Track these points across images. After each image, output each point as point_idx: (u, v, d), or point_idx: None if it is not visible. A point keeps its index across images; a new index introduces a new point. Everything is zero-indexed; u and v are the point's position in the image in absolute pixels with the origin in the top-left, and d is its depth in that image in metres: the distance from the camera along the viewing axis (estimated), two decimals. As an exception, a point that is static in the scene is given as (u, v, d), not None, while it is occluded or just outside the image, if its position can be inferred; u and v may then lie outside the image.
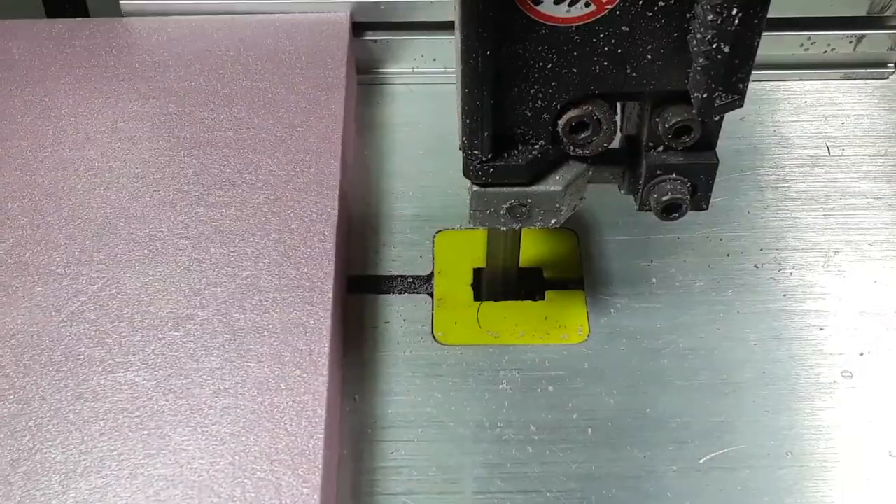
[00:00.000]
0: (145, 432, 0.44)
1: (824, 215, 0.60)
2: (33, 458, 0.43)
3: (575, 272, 0.57)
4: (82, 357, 0.46)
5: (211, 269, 0.50)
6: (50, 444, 0.43)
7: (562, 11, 0.40)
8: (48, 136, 0.57)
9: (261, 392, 0.45)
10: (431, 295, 0.56)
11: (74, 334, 0.47)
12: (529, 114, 0.43)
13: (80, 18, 0.67)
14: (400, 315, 0.55)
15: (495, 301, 0.56)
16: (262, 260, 0.50)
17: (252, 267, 0.50)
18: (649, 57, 0.41)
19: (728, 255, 0.58)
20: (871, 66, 0.68)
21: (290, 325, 0.47)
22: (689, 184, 0.46)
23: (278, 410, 0.44)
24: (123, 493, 0.42)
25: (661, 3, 0.39)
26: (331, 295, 0.49)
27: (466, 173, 0.45)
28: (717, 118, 0.44)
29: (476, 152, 0.43)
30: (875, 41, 0.66)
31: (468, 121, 0.42)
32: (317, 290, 0.49)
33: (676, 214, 0.46)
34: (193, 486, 0.42)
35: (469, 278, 0.57)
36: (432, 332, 0.54)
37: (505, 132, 0.44)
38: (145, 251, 0.51)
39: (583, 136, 0.44)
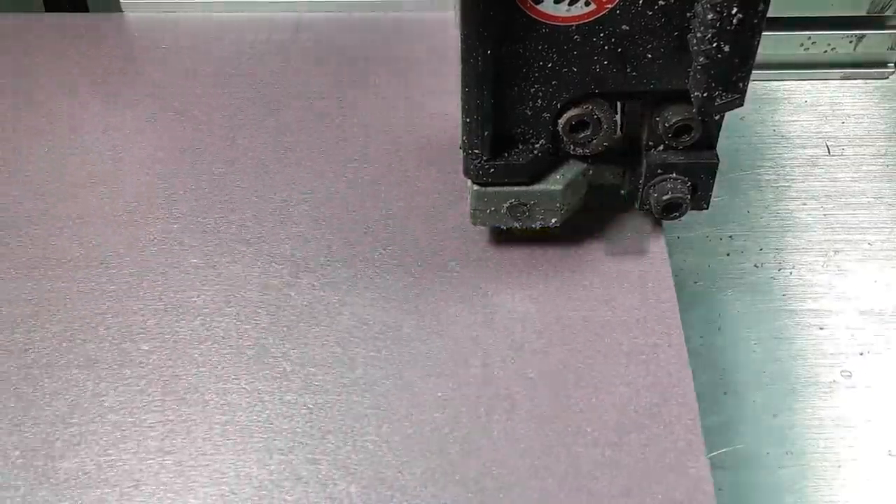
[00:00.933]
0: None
1: (824, 215, 0.60)
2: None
3: (575, 272, 0.57)
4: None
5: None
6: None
7: (562, 10, 0.40)
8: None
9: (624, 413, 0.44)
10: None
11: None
12: (530, 113, 0.43)
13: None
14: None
15: (495, 300, 0.56)
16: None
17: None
18: (649, 56, 0.41)
19: (728, 255, 0.58)
20: (871, 65, 0.68)
21: (648, 347, 0.46)
22: (689, 183, 0.46)
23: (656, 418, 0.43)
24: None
25: (661, 3, 0.39)
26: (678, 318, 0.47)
27: (467, 173, 0.45)
28: (717, 117, 0.44)
29: (476, 151, 0.43)
30: (875, 41, 0.66)
31: (468, 120, 0.42)
32: (666, 317, 0.47)
33: (677, 214, 0.47)
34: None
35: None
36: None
37: (505, 131, 0.44)
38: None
39: (583, 135, 0.44)
